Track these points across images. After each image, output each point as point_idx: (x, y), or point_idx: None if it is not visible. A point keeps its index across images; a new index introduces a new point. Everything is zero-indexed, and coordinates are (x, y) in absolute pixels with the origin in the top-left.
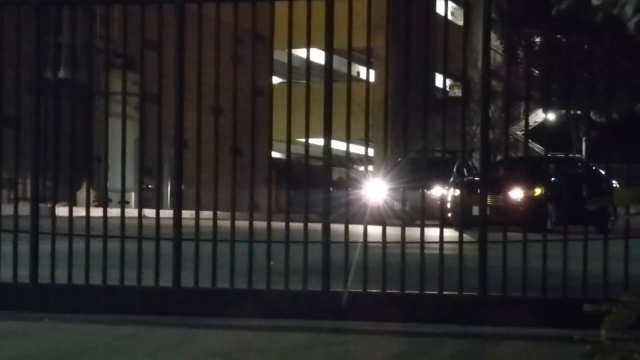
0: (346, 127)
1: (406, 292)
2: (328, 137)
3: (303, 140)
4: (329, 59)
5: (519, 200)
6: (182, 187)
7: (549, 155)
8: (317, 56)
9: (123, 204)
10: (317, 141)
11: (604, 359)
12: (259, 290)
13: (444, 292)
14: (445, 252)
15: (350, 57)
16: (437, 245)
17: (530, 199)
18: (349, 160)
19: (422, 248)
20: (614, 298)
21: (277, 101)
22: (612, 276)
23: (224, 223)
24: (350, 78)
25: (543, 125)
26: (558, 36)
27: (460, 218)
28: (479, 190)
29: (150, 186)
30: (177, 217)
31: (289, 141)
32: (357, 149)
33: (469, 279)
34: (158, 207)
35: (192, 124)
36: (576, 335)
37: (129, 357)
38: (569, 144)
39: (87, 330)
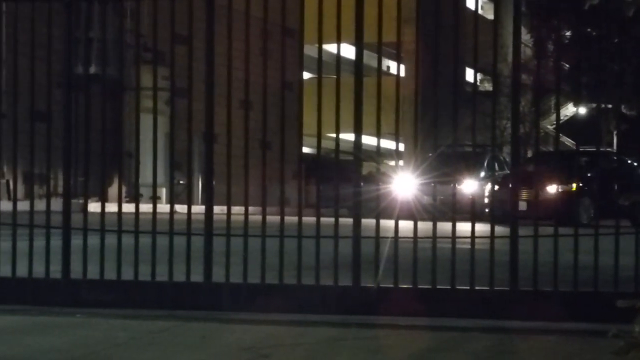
0: (376, 121)
1: (438, 287)
2: (358, 131)
3: (333, 135)
4: (359, 53)
5: (556, 195)
6: (213, 182)
7: (581, 149)
8: (347, 51)
9: (155, 199)
10: (347, 136)
11: (638, 356)
12: (290, 286)
13: (475, 288)
14: (476, 246)
15: (381, 51)
16: (468, 240)
17: (567, 194)
18: (379, 155)
19: (454, 243)
20: None
21: (307, 96)
22: None
23: (255, 218)
24: (381, 73)
25: (573, 118)
26: (588, 30)
27: (491, 213)
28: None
29: (181, 182)
30: (208, 213)
31: (319, 136)
32: (387, 144)
33: (500, 273)
34: (189, 202)
35: (222, 119)
36: (611, 331)
37: (160, 352)
38: (599, 138)
39: (119, 325)
